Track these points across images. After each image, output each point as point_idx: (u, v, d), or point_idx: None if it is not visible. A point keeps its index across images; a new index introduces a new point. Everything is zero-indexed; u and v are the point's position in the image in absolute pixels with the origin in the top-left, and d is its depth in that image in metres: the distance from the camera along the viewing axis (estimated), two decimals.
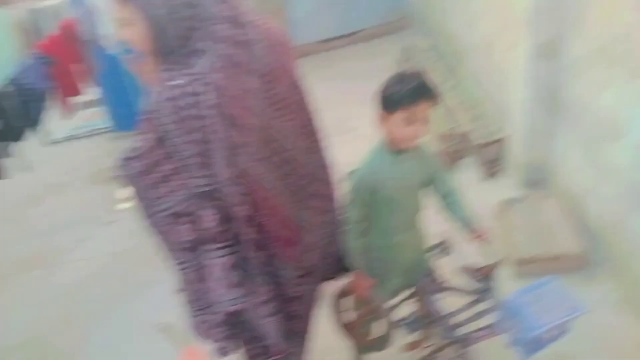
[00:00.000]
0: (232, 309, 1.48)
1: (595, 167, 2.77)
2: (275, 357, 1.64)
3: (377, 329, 2.14)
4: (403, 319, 2.20)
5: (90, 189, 4.92)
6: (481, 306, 1.90)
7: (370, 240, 1.94)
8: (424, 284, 2.12)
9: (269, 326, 1.59)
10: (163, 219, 1.44)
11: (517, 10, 3.31)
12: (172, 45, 1.33)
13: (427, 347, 2.20)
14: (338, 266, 1.97)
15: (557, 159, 3.26)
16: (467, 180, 3.75)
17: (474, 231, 1.93)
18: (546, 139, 3.32)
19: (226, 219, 1.40)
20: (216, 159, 1.34)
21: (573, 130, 2.98)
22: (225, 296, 1.46)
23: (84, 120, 6.92)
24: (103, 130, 6.22)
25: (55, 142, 6.28)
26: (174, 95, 1.30)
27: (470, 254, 2.00)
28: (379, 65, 6.43)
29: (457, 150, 4.03)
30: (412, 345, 2.26)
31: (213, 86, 1.30)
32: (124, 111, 5.94)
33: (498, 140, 3.82)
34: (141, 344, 2.81)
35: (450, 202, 1.99)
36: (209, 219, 1.38)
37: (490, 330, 1.90)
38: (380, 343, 2.11)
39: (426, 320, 2.17)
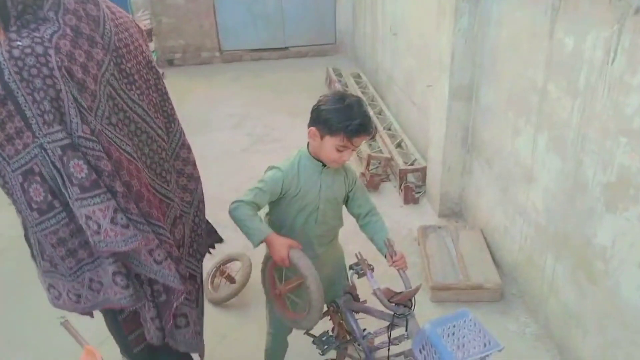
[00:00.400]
0: (126, 248, 1.40)
1: (508, 206, 2.73)
2: (180, 298, 1.56)
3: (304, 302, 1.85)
4: (320, 336, 2.03)
5: None
6: (397, 331, 1.77)
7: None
8: (343, 302, 1.99)
9: (167, 269, 1.50)
10: (15, 179, 1.37)
11: (433, 53, 3.28)
12: (17, 11, 1.31)
13: None
14: (210, 241, 1.99)
15: (472, 194, 3.22)
16: (389, 203, 3.71)
17: (391, 255, 1.80)
18: (462, 174, 3.29)
19: (94, 169, 1.37)
20: (69, 116, 1.33)
21: (488, 169, 2.93)
22: (118, 237, 1.38)
23: None
24: None
25: None
26: (15, 55, 1.27)
27: (388, 276, 1.89)
28: (306, 82, 6.33)
29: (380, 172, 4.00)
30: None
31: (56, 50, 1.30)
32: None
33: (419, 169, 3.83)
34: (44, 335, 2.53)
35: (369, 222, 1.89)
36: (78, 168, 1.34)
37: (405, 357, 1.78)
38: (307, 320, 1.78)
39: (344, 338, 2.05)
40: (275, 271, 1.83)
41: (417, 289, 1.71)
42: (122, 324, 1.69)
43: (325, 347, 1.96)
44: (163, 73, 7.01)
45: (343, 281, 2.05)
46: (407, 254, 3.06)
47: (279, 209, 1.81)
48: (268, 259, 1.83)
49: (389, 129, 4.55)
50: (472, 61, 2.92)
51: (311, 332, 2.17)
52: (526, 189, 2.51)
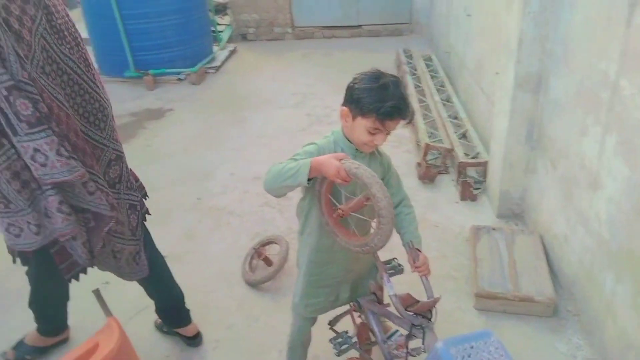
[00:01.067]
0: (70, 177, 1.61)
1: (570, 213, 2.48)
2: (110, 223, 1.81)
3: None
4: (337, 336, 1.97)
5: None
6: (416, 342, 1.65)
7: (320, 241, 1.77)
8: (365, 302, 1.90)
9: (98, 199, 1.76)
10: None
11: (503, 36, 3.01)
12: None
13: None
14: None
15: (534, 195, 2.97)
16: (444, 197, 3.53)
17: (413, 259, 1.67)
18: (525, 172, 3.04)
19: (36, 109, 1.53)
20: (9, 62, 1.49)
21: (552, 169, 2.68)
22: (64, 167, 1.60)
23: None
24: None
25: None
26: None
27: (413, 281, 1.76)
28: (376, 63, 6.13)
29: (439, 164, 3.81)
30: None
31: None
32: (108, 55, 5.83)
33: (480, 164, 3.58)
34: (83, 300, 2.40)
35: (399, 214, 1.77)
36: (24, 107, 1.52)
37: None
38: (380, 235, 1.49)
39: (367, 340, 1.99)
40: (332, 195, 1.64)
41: (435, 301, 1.60)
42: (54, 255, 1.87)
43: (342, 347, 1.90)
44: (235, 48, 7.16)
45: (372, 279, 1.96)
46: (456, 254, 2.97)
47: (314, 193, 1.71)
48: (321, 184, 1.63)
49: (455, 118, 4.31)
50: (542, 48, 2.65)
51: (334, 328, 2.11)
52: (590, 197, 2.26)
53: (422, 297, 1.67)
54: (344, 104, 1.62)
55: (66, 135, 1.64)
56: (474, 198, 3.48)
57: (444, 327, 2.43)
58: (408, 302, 1.61)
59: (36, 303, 2.22)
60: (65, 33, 1.69)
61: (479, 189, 3.55)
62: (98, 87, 1.82)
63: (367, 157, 1.69)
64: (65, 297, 2.27)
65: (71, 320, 2.46)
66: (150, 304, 2.66)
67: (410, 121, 1.60)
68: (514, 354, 2.27)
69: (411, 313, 1.59)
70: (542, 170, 2.85)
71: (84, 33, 6.12)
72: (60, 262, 1.90)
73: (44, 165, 1.58)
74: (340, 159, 1.48)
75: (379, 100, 1.51)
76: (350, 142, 1.65)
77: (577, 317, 2.46)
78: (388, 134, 1.59)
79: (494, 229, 2.98)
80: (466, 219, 3.28)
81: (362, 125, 1.56)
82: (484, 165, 3.55)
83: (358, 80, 1.58)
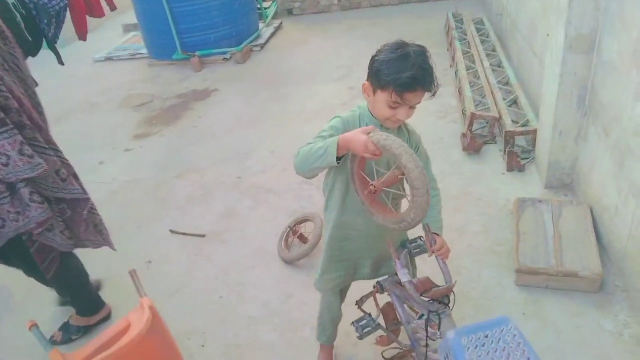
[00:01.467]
0: (33, 174, 1.72)
1: (622, 183, 2.30)
2: (87, 205, 1.98)
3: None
4: (359, 318, 1.94)
5: (117, 113, 4.98)
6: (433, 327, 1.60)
7: (340, 217, 1.75)
8: (388, 283, 1.86)
9: (71, 184, 1.88)
10: None
11: None
12: None
13: (394, 348, 1.98)
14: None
15: (586, 165, 2.77)
16: (490, 168, 3.40)
17: (430, 243, 1.61)
18: (576, 140, 2.84)
19: (3, 108, 1.64)
20: None
21: (605, 136, 2.48)
22: (26, 165, 1.71)
23: (125, 43, 6.97)
24: (143, 55, 6.30)
25: (97, 61, 6.46)
26: None
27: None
28: (424, 30, 5.93)
29: (486, 134, 3.65)
30: (382, 340, 2.03)
31: None
32: (157, 39, 5.96)
33: (530, 132, 3.37)
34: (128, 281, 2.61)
35: None
36: None
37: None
38: (415, 209, 1.39)
39: (393, 320, 1.97)
40: (364, 172, 1.58)
41: (450, 287, 1.53)
42: (35, 255, 1.98)
43: (364, 330, 1.87)
44: (281, 24, 7.11)
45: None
46: (500, 228, 2.86)
47: (340, 169, 1.65)
48: (352, 161, 1.57)
49: (506, 84, 4.08)
50: (595, 5, 2.43)
51: (362, 307, 2.09)
52: None
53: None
54: (366, 78, 1.55)
55: (37, 123, 1.75)
56: (521, 168, 3.30)
57: (483, 304, 2.40)
58: (425, 286, 1.55)
59: (59, 290, 2.35)
60: (6, 33, 1.82)
61: (526, 158, 3.36)
62: (33, 82, 1.96)
63: (394, 134, 1.63)
64: (83, 275, 2.37)
65: (116, 300, 2.61)
66: (187, 282, 2.75)
67: (435, 93, 1.51)
68: (555, 330, 2.22)
69: (427, 299, 1.54)
70: (593, 137, 2.65)
71: (134, 19, 6.41)
72: (41, 261, 2.00)
73: (5, 165, 1.70)
74: (368, 133, 1.42)
75: (397, 71, 1.43)
76: (375, 117, 1.59)
77: (626, 292, 2.31)
78: (412, 107, 1.51)
79: (539, 201, 2.82)
80: (512, 190, 3.14)
81: (382, 99, 1.49)
82: (533, 133, 3.35)
83: (380, 52, 1.51)
